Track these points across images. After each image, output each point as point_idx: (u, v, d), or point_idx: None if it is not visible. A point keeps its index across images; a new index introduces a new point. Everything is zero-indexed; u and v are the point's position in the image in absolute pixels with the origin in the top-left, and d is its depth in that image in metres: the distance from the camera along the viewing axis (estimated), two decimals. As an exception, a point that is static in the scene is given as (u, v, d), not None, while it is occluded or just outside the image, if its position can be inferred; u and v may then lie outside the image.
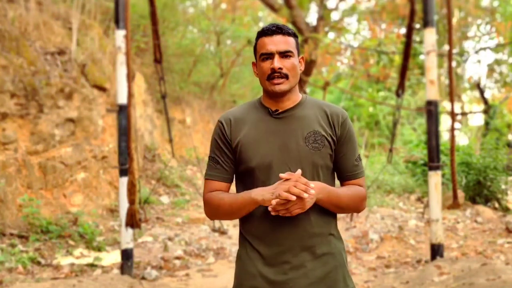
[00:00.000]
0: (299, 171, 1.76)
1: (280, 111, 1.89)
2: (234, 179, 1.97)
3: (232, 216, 1.89)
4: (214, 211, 1.91)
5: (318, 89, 19.45)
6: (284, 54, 1.83)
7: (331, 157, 1.89)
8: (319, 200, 1.79)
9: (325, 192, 1.80)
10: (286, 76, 1.83)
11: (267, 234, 1.85)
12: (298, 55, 1.90)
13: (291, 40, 1.86)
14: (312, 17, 23.44)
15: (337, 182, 1.99)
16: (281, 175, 1.74)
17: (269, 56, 1.83)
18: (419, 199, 10.71)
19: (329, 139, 1.87)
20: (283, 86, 1.83)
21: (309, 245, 1.85)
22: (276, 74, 1.82)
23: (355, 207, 1.91)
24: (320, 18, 16.06)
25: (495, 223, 7.89)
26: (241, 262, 1.93)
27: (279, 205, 1.72)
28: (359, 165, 1.94)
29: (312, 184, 1.75)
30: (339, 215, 2.07)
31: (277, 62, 1.81)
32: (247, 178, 1.90)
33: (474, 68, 32.89)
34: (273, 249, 1.85)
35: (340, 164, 1.93)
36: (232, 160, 1.92)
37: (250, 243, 1.89)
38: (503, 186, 9.58)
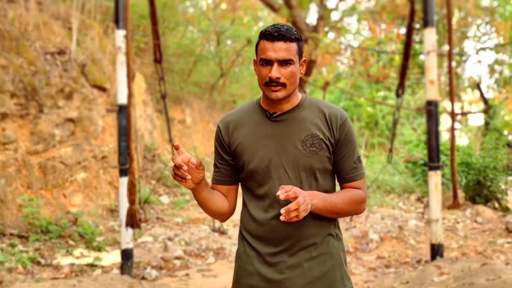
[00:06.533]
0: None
1: (278, 113, 1.88)
2: (235, 180, 1.98)
3: (207, 210, 1.93)
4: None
5: (318, 89, 19.45)
6: (284, 62, 1.79)
7: (329, 160, 1.88)
8: (315, 208, 1.78)
9: (319, 200, 1.79)
10: (283, 85, 1.80)
11: (265, 233, 1.87)
12: (300, 59, 1.86)
13: (293, 46, 1.80)
14: (312, 17, 23.45)
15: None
16: (279, 193, 1.65)
17: (268, 62, 1.79)
18: (419, 199, 10.70)
19: (327, 142, 1.86)
20: (280, 94, 1.81)
21: (307, 245, 1.86)
22: (273, 83, 1.79)
23: (352, 211, 1.91)
24: (320, 18, 16.06)
25: (495, 223, 7.89)
26: (239, 260, 1.95)
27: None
28: (358, 167, 1.92)
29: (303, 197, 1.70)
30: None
31: (275, 72, 1.77)
32: (248, 181, 1.92)
33: (474, 68, 32.93)
34: (271, 248, 1.86)
35: (339, 167, 1.91)
36: (230, 163, 1.94)
37: (249, 241, 1.91)
38: (503, 186, 9.57)
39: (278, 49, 1.78)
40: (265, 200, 1.87)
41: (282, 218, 1.65)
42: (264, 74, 1.81)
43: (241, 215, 1.96)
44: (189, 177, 1.72)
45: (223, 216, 1.98)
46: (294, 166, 1.84)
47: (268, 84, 1.80)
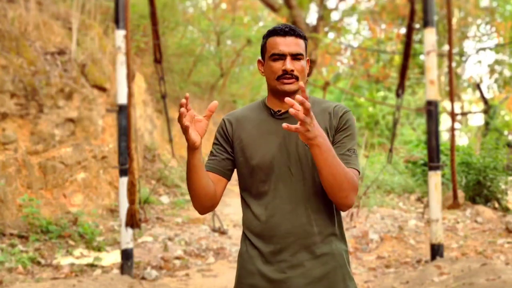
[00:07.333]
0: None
1: (282, 111, 1.91)
2: (227, 173, 1.95)
3: (194, 183, 1.83)
4: (190, 195, 1.90)
5: (318, 89, 19.44)
6: (296, 56, 1.85)
7: None
8: (317, 143, 1.63)
9: (324, 140, 1.65)
10: (296, 78, 1.85)
11: (266, 231, 1.87)
12: (306, 57, 1.93)
13: (302, 42, 1.88)
14: (312, 17, 23.47)
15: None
16: (287, 99, 1.55)
17: (281, 57, 1.85)
18: (419, 199, 10.70)
19: (330, 138, 1.87)
20: (293, 86, 1.85)
21: (309, 245, 1.85)
22: (287, 75, 1.84)
23: (345, 187, 1.74)
24: (320, 18, 16.08)
25: (495, 223, 7.89)
26: (241, 259, 1.95)
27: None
28: (352, 157, 1.84)
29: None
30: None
31: (289, 64, 1.83)
32: (248, 178, 1.92)
33: (474, 68, 32.93)
34: (272, 247, 1.86)
35: None
36: (228, 153, 1.95)
37: (251, 241, 1.91)
38: (503, 186, 9.57)
39: (290, 43, 1.85)
40: (267, 197, 1.87)
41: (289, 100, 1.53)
42: (276, 68, 1.85)
43: (243, 217, 1.95)
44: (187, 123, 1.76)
45: (207, 198, 1.87)
46: (297, 162, 1.85)
47: (281, 77, 1.85)
